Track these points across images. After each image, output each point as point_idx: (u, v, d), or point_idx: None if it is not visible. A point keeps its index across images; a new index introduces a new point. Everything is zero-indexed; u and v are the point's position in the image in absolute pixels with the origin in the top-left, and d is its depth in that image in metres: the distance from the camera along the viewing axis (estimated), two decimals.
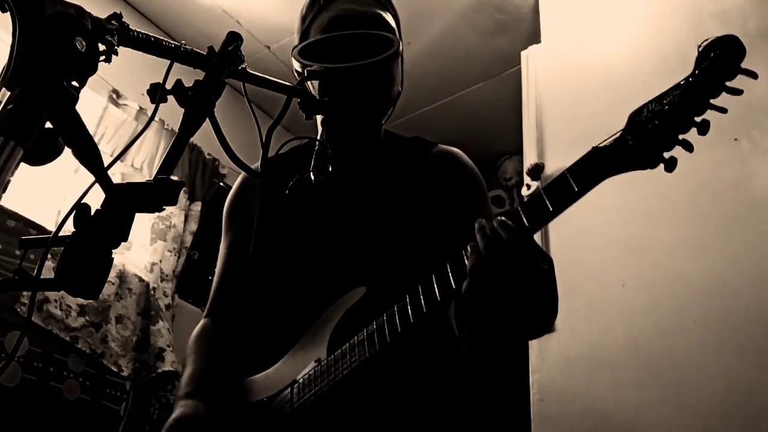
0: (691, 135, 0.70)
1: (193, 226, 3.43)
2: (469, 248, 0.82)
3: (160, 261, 3.23)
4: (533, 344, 2.00)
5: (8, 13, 0.60)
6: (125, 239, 0.63)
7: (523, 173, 2.18)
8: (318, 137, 1.26)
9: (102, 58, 0.67)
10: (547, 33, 2.61)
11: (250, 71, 0.84)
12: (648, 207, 1.88)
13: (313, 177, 1.21)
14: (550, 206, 0.77)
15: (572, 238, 2.00)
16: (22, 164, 0.57)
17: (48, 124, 0.60)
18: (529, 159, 2.24)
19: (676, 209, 1.85)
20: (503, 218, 0.79)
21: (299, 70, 1.10)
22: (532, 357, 1.98)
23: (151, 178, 0.67)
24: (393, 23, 1.23)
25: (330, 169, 1.19)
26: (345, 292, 1.06)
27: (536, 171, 2.02)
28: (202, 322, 1.29)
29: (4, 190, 0.52)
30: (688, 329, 1.69)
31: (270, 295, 1.21)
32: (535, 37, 2.71)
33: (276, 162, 1.31)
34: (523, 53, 2.61)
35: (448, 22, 3.34)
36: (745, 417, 1.51)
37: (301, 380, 1.03)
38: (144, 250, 3.24)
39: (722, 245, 1.73)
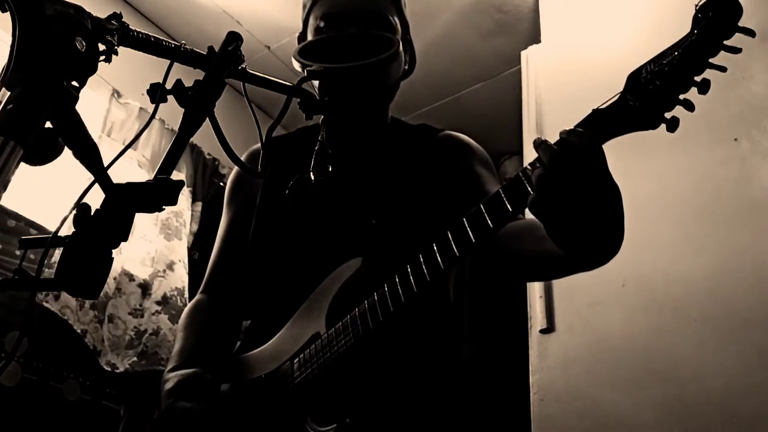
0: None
1: (194, 227, 3.43)
2: (528, 167, 0.77)
3: (179, 261, 3.23)
4: (533, 344, 2.00)
5: (8, 13, 0.60)
6: (125, 239, 0.63)
7: None
8: (319, 137, 1.27)
9: (102, 58, 0.66)
10: (547, 33, 2.60)
11: (250, 71, 0.84)
12: (648, 206, 1.88)
13: (313, 177, 1.22)
14: None
15: None
16: (22, 164, 0.57)
17: (48, 124, 0.60)
18: (529, 159, 2.24)
19: (676, 209, 1.85)
20: (570, 129, 0.74)
21: (299, 69, 1.10)
22: (532, 357, 1.98)
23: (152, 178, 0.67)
24: (390, 12, 1.21)
25: (330, 169, 1.19)
26: (341, 263, 1.06)
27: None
28: (196, 297, 1.28)
29: (4, 190, 0.52)
30: (687, 329, 1.69)
31: (267, 270, 1.21)
32: (535, 37, 2.71)
33: (282, 142, 1.32)
34: (523, 53, 2.61)
35: (448, 22, 3.34)
36: (745, 417, 1.51)
37: (301, 356, 1.03)
38: (158, 245, 3.23)
39: (722, 245, 1.73)
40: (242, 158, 1.33)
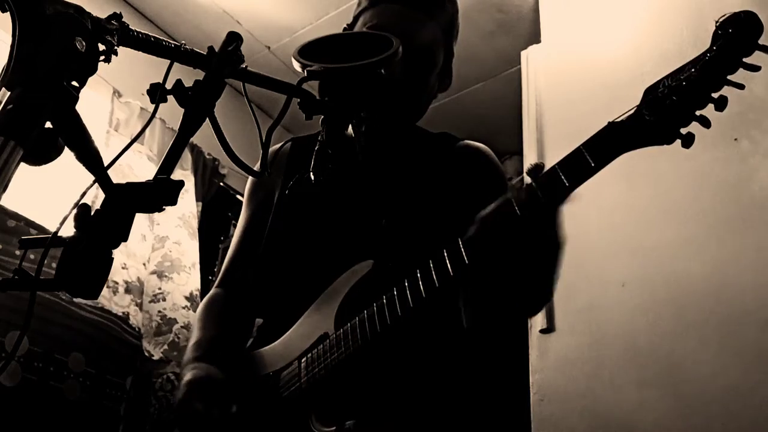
0: (693, 127, 0.69)
1: None
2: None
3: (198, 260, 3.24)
4: (533, 344, 2.00)
5: (8, 13, 0.60)
6: (125, 239, 0.63)
7: (523, 173, 2.17)
8: (319, 137, 1.27)
9: (102, 58, 0.66)
10: (547, 33, 2.60)
11: (251, 71, 0.84)
12: (648, 207, 1.88)
13: (313, 177, 1.22)
14: (566, 181, 0.77)
15: (571, 237, 1.99)
16: (22, 164, 0.57)
17: (48, 124, 0.60)
18: (529, 159, 2.23)
19: (676, 209, 1.85)
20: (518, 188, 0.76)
21: (299, 70, 1.10)
22: (532, 357, 1.98)
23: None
24: (437, 32, 1.23)
25: (330, 168, 1.19)
26: (352, 264, 1.07)
27: (536, 171, 2.02)
28: (212, 291, 1.31)
29: (4, 190, 0.52)
30: (687, 329, 1.69)
31: (281, 268, 1.23)
32: (535, 37, 2.71)
33: (307, 142, 1.33)
34: (523, 53, 2.61)
35: None
36: (745, 417, 1.51)
37: (309, 355, 1.03)
38: (179, 237, 3.22)
39: (722, 245, 1.73)
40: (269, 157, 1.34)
